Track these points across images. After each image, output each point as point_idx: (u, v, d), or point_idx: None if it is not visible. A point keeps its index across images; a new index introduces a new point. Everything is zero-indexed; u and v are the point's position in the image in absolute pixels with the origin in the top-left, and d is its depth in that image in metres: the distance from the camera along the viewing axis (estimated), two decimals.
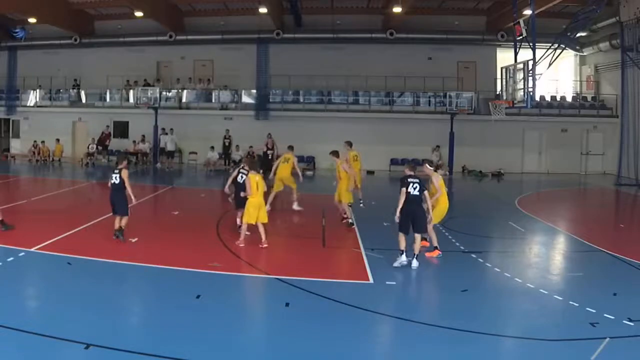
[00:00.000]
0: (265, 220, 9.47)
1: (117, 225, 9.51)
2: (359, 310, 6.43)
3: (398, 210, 8.22)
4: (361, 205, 13.41)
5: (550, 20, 21.38)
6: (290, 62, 25.40)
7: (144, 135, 24.93)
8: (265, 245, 9.35)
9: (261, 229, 9.39)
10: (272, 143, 19.86)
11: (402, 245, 8.25)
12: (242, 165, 10.59)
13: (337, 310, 6.48)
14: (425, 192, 8.40)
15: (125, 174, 9.49)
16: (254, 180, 9.24)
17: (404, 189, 8.22)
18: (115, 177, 9.48)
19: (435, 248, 9.05)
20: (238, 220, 10.30)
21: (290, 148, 13.53)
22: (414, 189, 8.21)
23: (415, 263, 8.28)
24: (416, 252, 8.34)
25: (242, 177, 10.12)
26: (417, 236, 8.40)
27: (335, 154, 11.76)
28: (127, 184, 9.41)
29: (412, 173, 8.43)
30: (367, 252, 9.15)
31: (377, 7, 24.95)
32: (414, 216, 8.21)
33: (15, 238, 9.28)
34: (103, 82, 26.58)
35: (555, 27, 20.42)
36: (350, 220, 11.33)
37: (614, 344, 5.52)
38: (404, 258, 8.24)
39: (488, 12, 24.92)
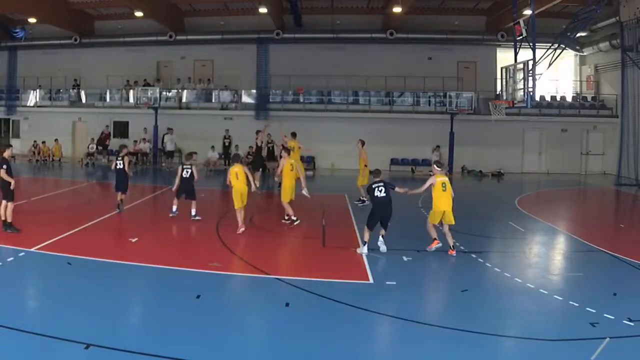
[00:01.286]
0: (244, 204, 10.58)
1: (119, 199, 12.27)
2: (359, 310, 6.44)
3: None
4: (364, 202, 13.49)
5: (550, 20, 21.39)
6: (290, 62, 25.40)
7: (145, 129, 24.93)
8: (240, 231, 10.19)
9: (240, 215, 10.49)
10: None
11: (366, 237, 9.13)
12: (184, 162, 12.26)
13: (337, 310, 6.48)
14: (396, 189, 9.24)
15: (126, 160, 12.37)
16: (233, 172, 10.55)
17: (370, 196, 9.32)
18: (120, 163, 12.29)
19: (434, 240, 9.33)
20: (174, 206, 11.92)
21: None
22: (380, 191, 9.08)
23: (382, 247, 9.18)
24: (382, 233, 9.24)
25: (186, 172, 11.77)
26: (382, 230, 9.29)
27: (286, 151, 12.05)
28: (127, 168, 12.31)
29: (377, 179, 9.30)
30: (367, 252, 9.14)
31: (377, 7, 24.94)
32: (382, 215, 9.15)
33: (15, 238, 9.29)
34: (103, 82, 26.60)
35: (555, 27, 20.42)
36: (294, 218, 11.39)
37: (614, 344, 5.52)
38: (365, 249, 9.11)
39: (488, 12, 24.91)
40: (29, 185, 18.91)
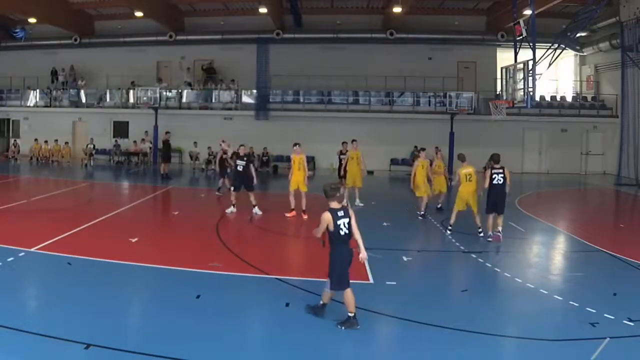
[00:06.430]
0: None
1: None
2: (359, 310, 6.41)
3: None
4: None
5: (550, 20, 21.37)
6: (290, 62, 25.40)
7: (147, 132, 24.91)
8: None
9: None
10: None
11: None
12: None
13: (337, 310, 6.48)
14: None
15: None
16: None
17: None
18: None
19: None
20: None
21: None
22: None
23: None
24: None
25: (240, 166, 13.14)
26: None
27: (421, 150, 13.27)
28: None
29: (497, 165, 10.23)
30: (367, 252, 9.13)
31: (377, 7, 24.96)
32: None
33: (15, 238, 9.28)
34: (103, 82, 26.60)
35: (555, 27, 20.42)
36: (422, 212, 12.57)
37: (614, 344, 5.52)
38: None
39: (488, 12, 24.93)
40: (29, 185, 18.91)
